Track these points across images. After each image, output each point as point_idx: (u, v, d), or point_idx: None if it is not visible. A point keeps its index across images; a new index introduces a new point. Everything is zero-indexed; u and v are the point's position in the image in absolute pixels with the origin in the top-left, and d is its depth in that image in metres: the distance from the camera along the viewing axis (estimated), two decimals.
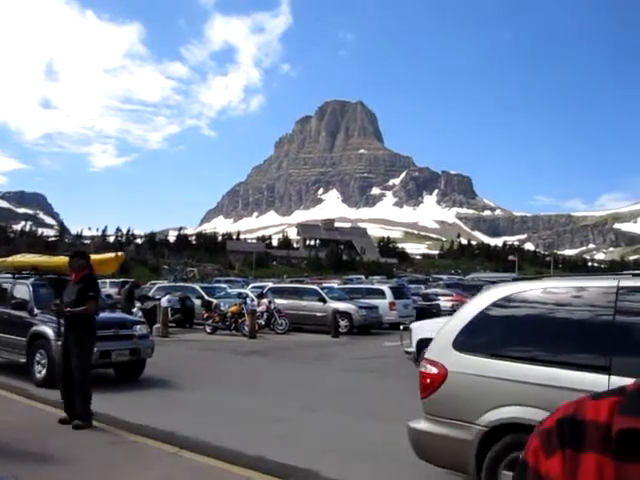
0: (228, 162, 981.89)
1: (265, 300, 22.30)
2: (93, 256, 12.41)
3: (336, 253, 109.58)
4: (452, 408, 4.72)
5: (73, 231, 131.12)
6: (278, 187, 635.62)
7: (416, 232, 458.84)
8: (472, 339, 4.78)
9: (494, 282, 5.23)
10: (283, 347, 17.73)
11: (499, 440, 4.41)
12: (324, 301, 22.37)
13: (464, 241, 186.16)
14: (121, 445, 6.67)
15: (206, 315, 21.88)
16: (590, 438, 0.97)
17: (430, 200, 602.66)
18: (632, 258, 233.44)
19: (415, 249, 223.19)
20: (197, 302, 24.13)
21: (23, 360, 10.57)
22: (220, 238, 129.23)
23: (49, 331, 9.94)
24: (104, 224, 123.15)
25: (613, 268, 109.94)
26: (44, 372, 10.04)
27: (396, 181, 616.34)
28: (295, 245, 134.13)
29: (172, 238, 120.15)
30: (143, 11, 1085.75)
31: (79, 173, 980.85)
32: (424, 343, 11.39)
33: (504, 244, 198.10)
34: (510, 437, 4.34)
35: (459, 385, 4.70)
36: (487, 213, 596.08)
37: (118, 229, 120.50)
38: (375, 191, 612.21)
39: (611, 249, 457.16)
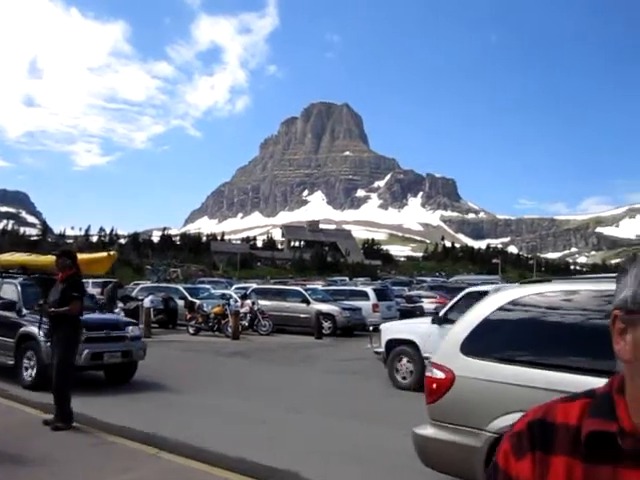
0: (213, 163, 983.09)
1: (249, 301, 22.24)
2: (86, 255, 12.31)
3: (320, 255, 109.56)
4: (460, 414, 4.57)
5: (56, 230, 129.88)
6: (263, 188, 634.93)
7: (400, 234, 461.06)
8: (481, 343, 4.63)
9: (492, 284, 5.17)
10: (266, 348, 17.68)
11: None
12: (307, 302, 22.37)
13: (448, 243, 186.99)
14: (101, 447, 6.61)
15: (189, 316, 21.77)
16: (560, 441, 0.99)
17: (415, 202, 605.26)
18: (614, 262, 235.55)
19: (399, 251, 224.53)
20: (180, 303, 24.00)
21: (11, 362, 10.32)
22: (204, 239, 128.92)
23: (38, 332, 9.77)
24: (87, 224, 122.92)
25: (595, 271, 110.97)
26: (33, 374, 9.82)
27: (381, 183, 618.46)
28: (279, 246, 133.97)
29: (156, 238, 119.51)
30: (128, 9, 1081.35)
31: (62, 172, 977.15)
32: (393, 344, 11.44)
33: (488, 247, 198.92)
34: None
35: (468, 390, 4.55)
36: (471, 216, 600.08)
37: (101, 229, 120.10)
38: (360, 193, 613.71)
39: (593, 253, 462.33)
